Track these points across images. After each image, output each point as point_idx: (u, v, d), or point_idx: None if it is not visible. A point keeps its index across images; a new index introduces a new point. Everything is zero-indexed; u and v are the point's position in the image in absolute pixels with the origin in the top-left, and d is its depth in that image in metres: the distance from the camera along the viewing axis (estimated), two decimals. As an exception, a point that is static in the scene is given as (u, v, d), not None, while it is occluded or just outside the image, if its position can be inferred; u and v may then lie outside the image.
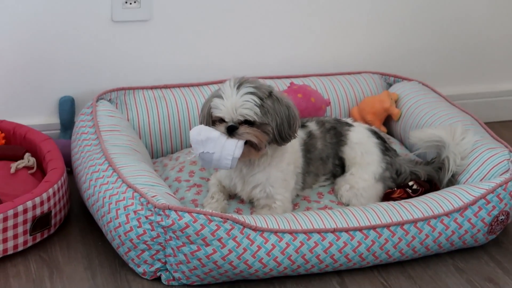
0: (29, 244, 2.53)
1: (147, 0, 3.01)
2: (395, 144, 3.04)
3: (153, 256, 2.40)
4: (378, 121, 3.15)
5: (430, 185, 2.76)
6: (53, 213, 2.58)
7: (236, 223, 2.35)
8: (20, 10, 2.91)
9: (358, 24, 3.29)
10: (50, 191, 2.56)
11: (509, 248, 2.69)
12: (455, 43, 3.43)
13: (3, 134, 2.89)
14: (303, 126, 2.71)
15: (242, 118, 2.44)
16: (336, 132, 2.77)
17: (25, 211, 2.48)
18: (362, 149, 2.76)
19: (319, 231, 2.42)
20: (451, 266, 2.58)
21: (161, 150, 2.99)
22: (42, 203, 2.53)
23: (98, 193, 2.52)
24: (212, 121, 2.50)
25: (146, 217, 2.37)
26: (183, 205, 2.58)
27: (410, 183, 2.75)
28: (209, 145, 2.44)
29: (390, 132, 3.20)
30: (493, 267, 2.59)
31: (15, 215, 2.46)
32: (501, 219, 2.60)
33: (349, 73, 3.27)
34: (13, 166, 2.74)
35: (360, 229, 2.45)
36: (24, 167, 2.76)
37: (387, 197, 2.73)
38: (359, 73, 3.29)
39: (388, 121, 3.20)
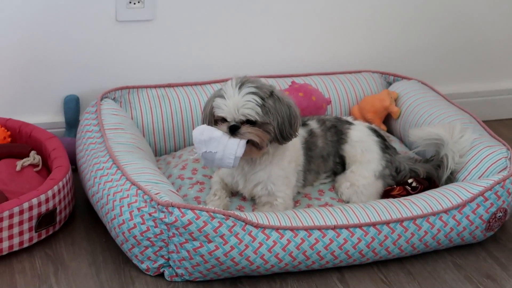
0: (35, 240, 2.53)
1: (150, 0, 3.01)
2: (394, 142, 3.04)
3: (157, 252, 2.40)
4: (378, 120, 3.15)
5: (429, 182, 2.76)
6: (58, 210, 2.58)
7: (238, 220, 2.35)
8: (26, 10, 2.91)
9: (359, 24, 3.28)
10: (55, 188, 2.56)
11: (507, 245, 2.68)
12: (454, 43, 3.42)
13: (9, 133, 2.89)
14: (304, 124, 2.70)
15: (244, 118, 2.44)
16: (337, 130, 2.77)
17: (30, 208, 2.48)
18: (362, 147, 2.76)
19: (319, 228, 2.41)
20: (450, 263, 2.58)
21: (164, 148, 2.99)
22: (47, 201, 2.53)
23: (102, 190, 2.52)
24: (214, 120, 2.49)
25: (150, 214, 2.37)
26: (186, 202, 2.58)
27: (410, 181, 2.74)
28: (212, 145, 2.44)
29: (390, 130, 3.20)
30: (491, 263, 2.59)
31: (21, 212, 2.46)
32: (499, 216, 2.60)
33: (349, 72, 3.27)
34: (19, 163, 2.74)
35: (360, 226, 2.45)
36: (29, 164, 2.76)
37: (386, 194, 2.73)
38: (359, 72, 3.28)
39: (388, 119, 3.20)
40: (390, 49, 3.36)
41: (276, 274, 2.46)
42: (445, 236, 2.54)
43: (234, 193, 2.70)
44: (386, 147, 2.78)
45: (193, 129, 2.95)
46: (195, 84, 3.09)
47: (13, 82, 3.00)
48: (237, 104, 2.43)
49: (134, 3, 3.01)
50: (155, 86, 3.04)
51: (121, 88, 2.98)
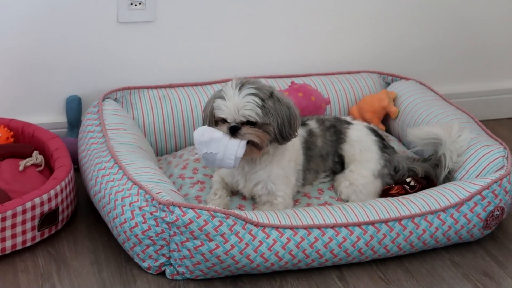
0: (37, 239, 2.53)
1: (151, 2, 3.01)
2: (393, 142, 3.04)
3: (158, 251, 2.40)
4: (376, 119, 3.15)
5: (427, 181, 2.75)
6: (60, 210, 2.58)
7: (239, 219, 2.35)
8: (30, 13, 2.90)
9: (357, 25, 3.28)
10: (58, 188, 2.56)
11: (504, 243, 2.68)
12: (452, 44, 3.42)
13: (12, 133, 2.89)
14: (303, 124, 2.70)
15: (244, 119, 2.44)
16: (336, 130, 2.77)
17: (33, 207, 2.48)
18: (361, 146, 2.75)
19: (319, 227, 2.41)
20: (448, 261, 2.57)
21: (165, 148, 2.99)
22: (49, 200, 2.53)
23: (104, 190, 2.52)
24: (215, 121, 2.49)
25: (151, 213, 2.37)
26: (187, 201, 2.58)
27: (408, 180, 2.74)
28: (213, 146, 2.44)
29: (388, 130, 3.20)
30: (488, 261, 2.59)
31: (24, 212, 2.46)
32: (496, 215, 2.60)
33: (348, 73, 3.27)
34: (22, 163, 2.74)
35: (359, 225, 2.44)
36: (32, 164, 2.76)
37: (385, 193, 2.72)
38: (358, 72, 3.28)
39: (386, 119, 3.20)
40: (389, 50, 3.36)
41: (276, 272, 2.46)
42: (443, 234, 2.54)
43: (234, 192, 2.70)
44: (384, 147, 2.78)
45: (194, 129, 2.97)
46: (196, 84, 3.09)
47: (16, 83, 3.00)
48: (237, 105, 2.43)
49: (135, 5, 3.00)
50: (156, 87, 3.04)
51: (123, 89, 2.98)
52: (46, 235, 2.56)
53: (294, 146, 2.62)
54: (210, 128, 2.47)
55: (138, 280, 2.42)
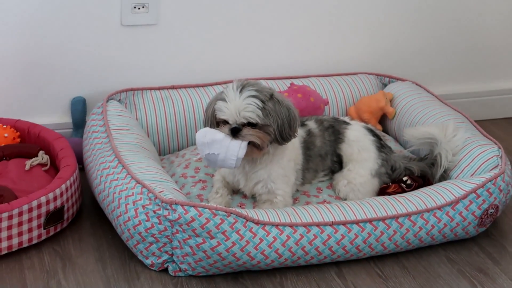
0: (43, 237, 2.53)
1: (154, 5, 3.01)
2: (390, 141, 3.04)
3: (161, 248, 2.40)
4: (374, 120, 3.15)
5: (423, 180, 2.75)
6: (65, 208, 2.58)
7: (239, 216, 2.35)
8: (36, 15, 2.90)
9: (355, 28, 3.28)
10: (63, 187, 2.56)
11: (499, 240, 2.68)
12: (447, 46, 3.42)
13: (18, 133, 2.89)
14: (302, 124, 2.70)
15: (245, 120, 2.44)
16: (334, 130, 2.77)
17: (39, 206, 2.48)
18: (359, 146, 2.75)
19: (318, 224, 2.41)
20: (443, 257, 2.57)
21: (168, 148, 2.99)
22: (55, 199, 2.53)
23: (108, 188, 2.52)
24: (216, 122, 2.49)
25: (154, 212, 2.37)
26: (189, 200, 2.58)
27: (405, 178, 2.74)
28: (214, 147, 2.44)
29: (385, 130, 3.20)
30: (483, 258, 2.59)
31: (30, 210, 2.46)
32: (491, 212, 2.60)
33: (346, 74, 3.27)
34: (28, 163, 2.74)
35: (357, 222, 2.44)
36: (38, 164, 2.76)
37: (382, 191, 2.72)
38: (355, 74, 3.28)
39: (383, 119, 3.20)
40: (386, 52, 3.35)
41: (276, 269, 2.46)
42: (439, 231, 2.54)
43: (235, 191, 2.69)
44: (382, 146, 2.78)
45: (196, 129, 2.97)
46: (197, 86, 3.09)
47: (22, 85, 3.00)
48: (239, 107, 2.43)
49: (139, 8, 3.00)
50: (159, 88, 3.04)
51: (126, 90, 2.98)
52: (51, 233, 2.56)
53: (294, 146, 2.62)
54: (212, 130, 2.47)
55: (142, 276, 2.43)
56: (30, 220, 2.47)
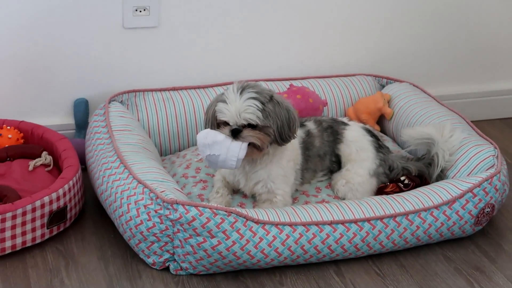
0: (46, 237, 2.53)
1: (155, 8, 3.01)
2: (388, 142, 3.04)
3: (162, 247, 2.40)
4: (372, 120, 3.15)
5: (420, 179, 2.75)
6: (68, 208, 2.58)
7: (240, 216, 2.35)
8: (39, 18, 2.90)
9: (353, 30, 3.28)
10: (66, 187, 2.56)
11: (495, 238, 2.68)
12: (444, 47, 3.42)
13: (22, 134, 2.89)
14: (302, 125, 2.70)
15: (245, 122, 2.44)
16: (333, 131, 2.76)
17: (42, 206, 2.48)
18: (357, 146, 2.75)
19: (317, 223, 2.41)
20: (441, 256, 2.57)
21: (169, 148, 2.98)
22: (58, 198, 2.53)
23: (110, 188, 2.52)
24: (217, 123, 2.49)
25: (156, 211, 2.37)
26: (190, 199, 2.58)
27: (402, 178, 2.74)
28: (215, 148, 2.44)
29: (383, 131, 3.20)
30: (479, 256, 2.58)
31: (33, 210, 2.46)
32: (487, 211, 2.59)
33: (344, 75, 3.27)
34: (31, 163, 2.74)
35: (355, 221, 2.44)
36: (41, 164, 2.76)
37: (380, 191, 2.72)
38: (354, 75, 3.28)
39: (381, 120, 3.20)
40: (383, 54, 3.35)
41: (276, 267, 2.46)
42: (436, 230, 2.54)
43: (235, 191, 2.69)
44: (379, 147, 2.78)
45: (197, 130, 2.97)
46: (198, 87, 3.09)
47: (26, 87, 3.00)
48: (239, 109, 2.43)
49: (140, 11, 3.00)
50: (160, 90, 3.03)
51: (128, 92, 2.98)
52: (54, 233, 2.56)
53: (293, 147, 2.62)
54: (213, 131, 2.47)
55: (143, 275, 2.42)
56: (33, 219, 2.47)
